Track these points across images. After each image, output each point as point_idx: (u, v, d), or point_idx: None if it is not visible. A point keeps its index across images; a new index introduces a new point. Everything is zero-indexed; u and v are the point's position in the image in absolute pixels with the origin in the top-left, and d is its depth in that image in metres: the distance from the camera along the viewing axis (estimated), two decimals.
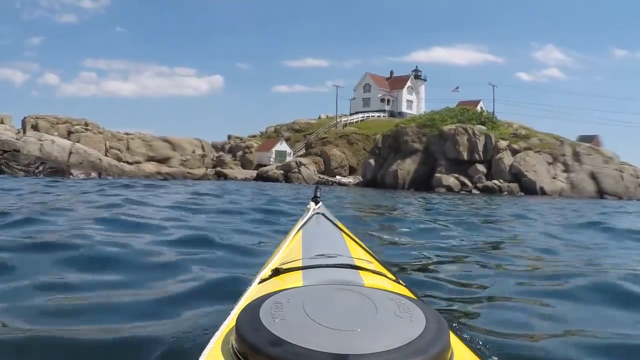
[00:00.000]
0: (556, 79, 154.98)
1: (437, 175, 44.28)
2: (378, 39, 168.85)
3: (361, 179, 51.33)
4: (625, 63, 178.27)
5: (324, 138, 62.50)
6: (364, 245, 2.08)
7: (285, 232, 2.82)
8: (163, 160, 51.90)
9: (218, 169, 53.44)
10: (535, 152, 43.85)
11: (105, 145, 49.72)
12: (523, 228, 9.74)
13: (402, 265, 4.58)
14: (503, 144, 44.64)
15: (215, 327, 1.16)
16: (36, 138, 41.33)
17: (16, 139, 40.16)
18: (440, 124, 47.83)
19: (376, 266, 1.76)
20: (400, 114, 71.08)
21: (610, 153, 45.87)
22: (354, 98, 77.36)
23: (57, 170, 36.58)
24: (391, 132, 50.83)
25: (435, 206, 16.81)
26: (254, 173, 53.63)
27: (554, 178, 42.07)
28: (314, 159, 55.86)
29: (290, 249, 1.96)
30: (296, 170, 51.75)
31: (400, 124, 52.05)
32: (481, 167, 43.95)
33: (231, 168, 55.06)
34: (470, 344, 1.25)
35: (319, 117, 76.37)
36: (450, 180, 43.38)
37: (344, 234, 2.27)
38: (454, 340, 1.12)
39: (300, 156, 58.34)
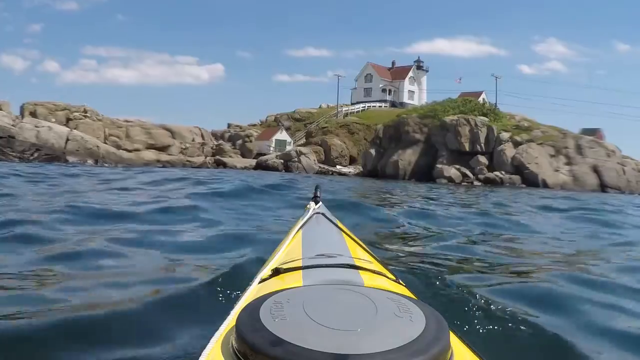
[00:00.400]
0: (558, 72, 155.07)
1: (439, 166, 44.03)
2: (380, 30, 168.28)
3: (361, 169, 51.04)
4: (627, 57, 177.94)
5: (325, 127, 62.07)
6: (364, 245, 2.07)
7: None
8: (162, 148, 51.98)
9: (217, 157, 53.29)
10: (538, 144, 43.54)
11: (104, 132, 49.73)
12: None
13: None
14: (505, 135, 44.32)
15: (215, 327, 1.15)
16: (33, 125, 41.13)
17: (12, 125, 39.82)
18: (442, 115, 47.50)
19: (376, 266, 1.75)
20: (402, 104, 70.72)
21: (612, 146, 45.56)
22: (355, 88, 76.92)
23: (53, 157, 36.37)
24: (392, 122, 50.54)
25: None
26: (253, 162, 53.25)
27: (556, 171, 41.73)
28: (315, 149, 55.38)
29: (290, 249, 1.96)
30: (296, 159, 51.30)
31: (402, 114, 51.78)
32: (483, 159, 43.66)
33: (230, 157, 54.83)
34: (470, 343, 1.20)
35: (320, 107, 75.89)
36: (451, 171, 43.11)
37: (344, 234, 2.27)
38: (454, 340, 1.13)
39: (300, 145, 57.83)
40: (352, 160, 56.91)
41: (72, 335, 2.40)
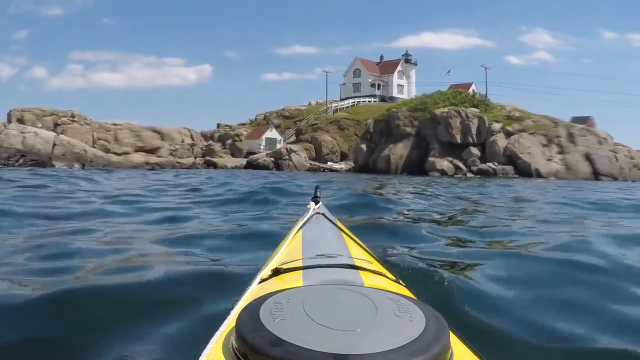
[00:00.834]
0: (545, 61, 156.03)
1: (431, 159, 43.83)
2: (367, 25, 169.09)
3: (353, 165, 50.69)
4: (613, 45, 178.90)
5: (315, 124, 61.71)
6: (363, 245, 2.06)
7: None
8: (152, 151, 51.85)
9: (207, 157, 53.03)
10: (530, 134, 43.42)
11: (93, 136, 49.52)
12: None
13: None
14: (497, 126, 44.17)
15: (215, 327, 1.15)
16: (18, 130, 40.75)
17: None
18: (433, 108, 47.38)
19: (376, 266, 1.75)
20: (392, 98, 70.48)
21: (604, 134, 45.58)
22: (344, 83, 76.72)
23: (39, 162, 35.75)
24: (382, 117, 50.31)
25: None
26: (243, 161, 52.98)
27: (548, 160, 41.56)
28: (305, 146, 55.06)
29: (290, 249, 1.95)
30: (287, 157, 50.98)
31: (392, 109, 51.56)
32: (475, 150, 43.46)
33: (220, 157, 54.54)
34: (470, 343, 1.20)
35: (309, 104, 75.60)
36: (444, 163, 42.90)
37: (344, 234, 2.26)
38: (453, 340, 1.14)
39: (290, 143, 57.51)
40: (343, 156, 56.54)
41: (71, 335, 2.40)
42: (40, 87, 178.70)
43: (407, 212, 9.04)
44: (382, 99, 71.44)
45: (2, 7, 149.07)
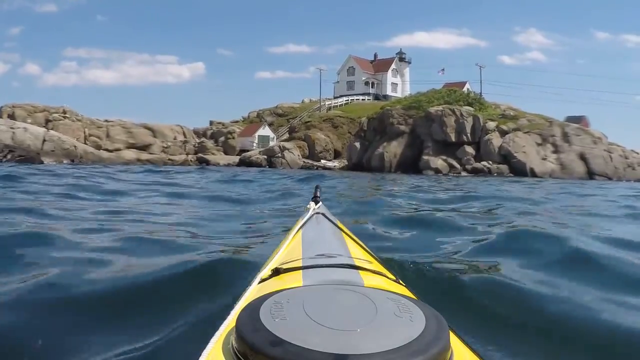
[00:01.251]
0: (538, 61, 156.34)
1: (425, 157, 43.50)
2: (360, 24, 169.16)
3: (347, 163, 50.27)
4: (606, 45, 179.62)
5: (308, 122, 61.37)
6: (363, 245, 2.07)
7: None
8: (144, 147, 51.82)
9: (200, 155, 52.75)
10: (525, 133, 43.12)
11: (84, 132, 49.34)
12: None
13: None
14: (491, 125, 43.85)
15: (215, 327, 1.15)
16: (7, 126, 40.34)
17: None
18: (427, 106, 47.04)
19: (376, 266, 1.76)
20: (385, 96, 70.36)
21: (598, 133, 45.35)
22: (338, 81, 76.55)
23: (27, 158, 35.18)
24: (377, 115, 49.95)
25: None
26: (236, 159, 52.74)
27: (543, 159, 41.27)
28: (298, 144, 54.71)
29: (290, 249, 1.96)
30: (280, 155, 50.67)
31: (386, 106, 51.19)
32: (470, 149, 43.15)
33: (213, 154, 54.30)
34: (470, 343, 1.21)
35: (303, 101, 75.45)
36: (438, 162, 42.60)
37: (344, 234, 2.26)
38: (453, 340, 1.14)
39: (284, 141, 57.18)
40: (336, 154, 56.23)
41: (69, 335, 2.42)
42: (33, 83, 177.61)
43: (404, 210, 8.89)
44: (376, 97, 71.32)
45: None
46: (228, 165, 48.78)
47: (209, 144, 57.36)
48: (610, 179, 39.41)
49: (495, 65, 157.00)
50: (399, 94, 69.90)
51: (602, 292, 3.44)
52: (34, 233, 4.98)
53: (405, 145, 45.74)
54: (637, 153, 45.33)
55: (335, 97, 72.34)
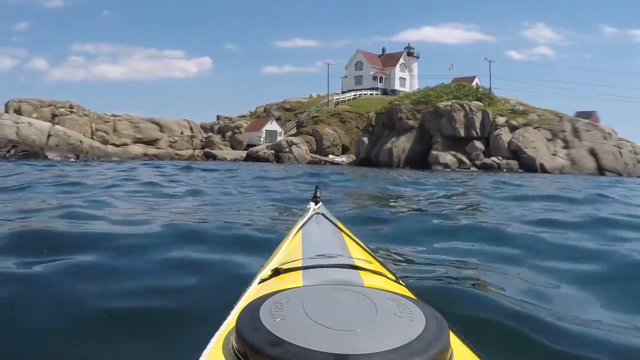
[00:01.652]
0: (546, 56, 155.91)
1: (434, 152, 43.16)
2: (367, 19, 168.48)
3: (354, 158, 49.99)
4: (614, 40, 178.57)
5: (316, 117, 61.02)
6: (364, 245, 2.06)
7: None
8: (151, 142, 51.71)
9: (206, 149, 52.52)
10: (534, 128, 42.71)
11: (91, 127, 49.08)
12: None
13: None
14: (501, 120, 43.45)
15: (215, 327, 1.15)
16: (12, 121, 40.03)
17: None
18: (436, 101, 46.70)
19: (376, 266, 1.75)
20: (393, 91, 70.01)
21: (608, 129, 44.96)
22: (346, 76, 76.24)
23: (30, 153, 34.82)
24: (385, 110, 49.62)
25: None
26: (243, 153, 52.45)
27: (553, 155, 40.85)
28: (306, 138, 54.38)
29: (290, 249, 1.94)
30: (287, 150, 50.34)
31: (394, 101, 50.77)
32: (479, 144, 42.78)
33: (220, 149, 54.03)
34: (470, 343, 1.20)
35: (310, 96, 75.08)
36: (447, 157, 42.26)
37: (344, 234, 2.25)
38: (453, 340, 1.15)
39: (291, 135, 56.89)
40: (344, 150, 55.91)
41: (67, 334, 2.40)
42: (40, 78, 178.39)
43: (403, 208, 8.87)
44: (384, 91, 70.96)
45: None
46: (235, 160, 48.53)
47: (216, 138, 57.11)
48: (620, 175, 38.97)
49: (504, 61, 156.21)
50: (407, 89, 69.53)
51: None
52: None
53: (414, 140, 45.40)
54: None
55: (343, 92, 72.00)
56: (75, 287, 3.11)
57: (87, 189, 10.19)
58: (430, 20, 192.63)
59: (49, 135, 40.23)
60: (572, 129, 43.02)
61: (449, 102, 45.13)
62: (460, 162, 42.07)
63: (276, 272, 1.55)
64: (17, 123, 39.77)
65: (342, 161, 50.34)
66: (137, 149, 48.95)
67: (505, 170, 38.98)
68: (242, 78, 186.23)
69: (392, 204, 10.04)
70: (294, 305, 1.11)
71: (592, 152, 41.34)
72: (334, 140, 55.65)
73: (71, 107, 50.48)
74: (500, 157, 40.91)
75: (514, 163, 40.20)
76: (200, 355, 1.03)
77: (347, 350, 0.93)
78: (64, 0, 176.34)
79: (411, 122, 46.32)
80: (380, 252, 4.60)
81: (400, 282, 1.69)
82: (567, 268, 4.23)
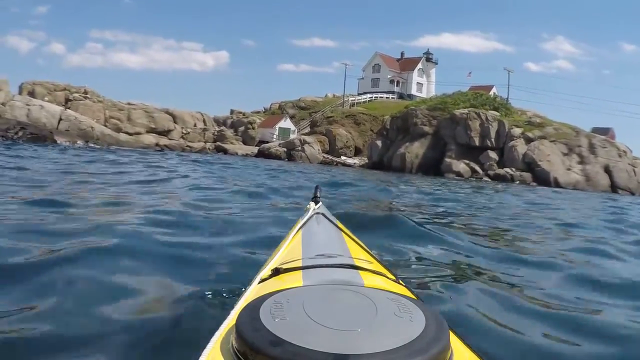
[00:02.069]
0: (565, 70, 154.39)
1: (447, 160, 42.71)
2: (387, 22, 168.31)
3: (367, 161, 49.62)
4: (633, 57, 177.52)
5: (330, 117, 60.63)
6: (363, 245, 2.07)
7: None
8: (164, 133, 51.52)
9: (218, 143, 52.30)
10: (550, 141, 42.13)
11: (105, 114, 48.78)
12: None
13: None
14: (517, 131, 42.91)
15: (215, 327, 1.17)
16: (24, 103, 39.85)
17: (1, 103, 38.42)
18: (452, 108, 46.23)
19: (376, 266, 1.76)
20: (410, 96, 69.59)
21: (623, 147, 44.36)
22: (363, 78, 75.94)
23: (39, 137, 34.27)
24: (400, 114, 49.24)
25: None
26: (255, 149, 52.18)
27: (568, 169, 40.30)
28: (319, 138, 54.01)
29: (290, 249, 1.96)
30: (300, 148, 50.00)
31: (410, 106, 50.42)
32: (493, 154, 42.31)
33: (232, 143, 53.77)
34: (470, 343, 1.22)
35: (326, 96, 74.77)
36: (460, 166, 41.81)
37: (344, 234, 2.27)
38: (453, 340, 1.16)
39: (304, 134, 56.56)
40: (357, 151, 55.46)
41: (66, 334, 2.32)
42: (58, 62, 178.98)
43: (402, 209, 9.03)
44: (400, 96, 70.65)
45: None
46: (246, 155, 48.24)
47: (229, 133, 56.87)
48: (633, 194, 38.41)
49: (521, 71, 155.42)
50: (423, 94, 69.06)
51: None
52: None
53: (428, 146, 44.98)
54: None
55: (359, 94, 71.66)
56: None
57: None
58: (449, 27, 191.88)
59: (60, 120, 40.10)
60: (588, 144, 42.44)
61: (466, 110, 44.66)
62: (473, 171, 41.61)
63: (276, 271, 1.55)
64: (28, 105, 39.60)
65: (354, 163, 49.91)
66: (150, 138, 48.80)
67: (517, 182, 38.52)
68: (258, 74, 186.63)
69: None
70: (294, 305, 1.11)
71: (607, 169, 40.75)
72: (347, 142, 55.27)
73: (85, 92, 50.18)
74: (513, 169, 40.40)
75: (527, 175, 39.69)
76: (200, 355, 1.03)
77: (347, 350, 0.94)
78: None
79: (426, 128, 45.92)
80: (380, 251, 4.53)
81: (400, 282, 1.70)
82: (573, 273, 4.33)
